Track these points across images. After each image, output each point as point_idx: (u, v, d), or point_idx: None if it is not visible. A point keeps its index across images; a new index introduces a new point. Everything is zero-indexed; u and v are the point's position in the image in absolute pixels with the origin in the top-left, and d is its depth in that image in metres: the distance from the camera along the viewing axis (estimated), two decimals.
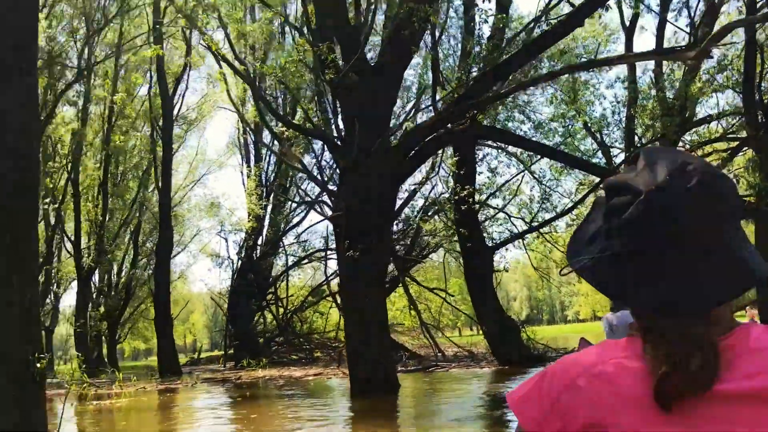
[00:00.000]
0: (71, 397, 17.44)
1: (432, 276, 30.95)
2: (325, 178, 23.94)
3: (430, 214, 22.50)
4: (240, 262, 30.58)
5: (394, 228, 22.43)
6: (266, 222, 30.66)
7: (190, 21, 11.86)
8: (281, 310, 30.20)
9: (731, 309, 0.87)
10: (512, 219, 21.83)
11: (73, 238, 31.75)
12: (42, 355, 5.16)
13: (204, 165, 42.50)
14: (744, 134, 15.86)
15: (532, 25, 14.55)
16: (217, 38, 15.57)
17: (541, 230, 21.07)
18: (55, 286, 37.28)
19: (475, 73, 13.18)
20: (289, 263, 31.34)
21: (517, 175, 22.20)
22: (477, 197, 19.60)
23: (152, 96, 30.53)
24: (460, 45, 19.08)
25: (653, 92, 17.68)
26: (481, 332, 21.82)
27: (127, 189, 35.56)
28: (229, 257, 32.24)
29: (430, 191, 22.61)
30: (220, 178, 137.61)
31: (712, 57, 10.36)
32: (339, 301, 22.05)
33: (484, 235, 20.22)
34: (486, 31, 15.77)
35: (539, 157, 19.87)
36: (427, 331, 23.79)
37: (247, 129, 29.81)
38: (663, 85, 17.00)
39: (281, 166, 29.03)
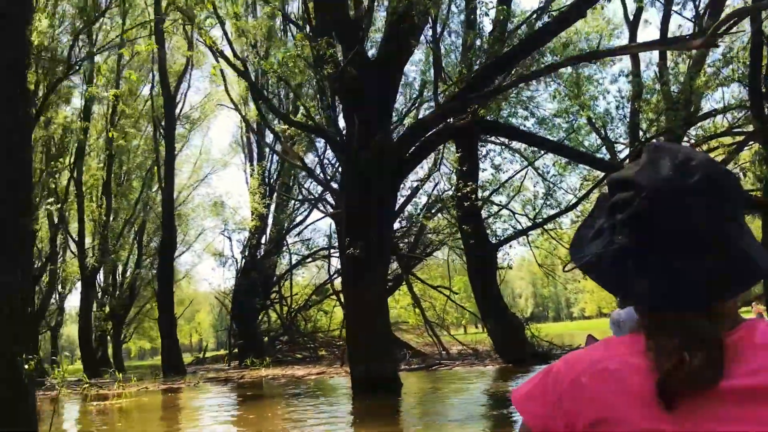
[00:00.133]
0: (74, 397, 17.44)
1: (436, 274, 30.81)
2: (328, 176, 23.87)
3: (433, 211, 22.36)
4: (244, 261, 30.53)
5: (397, 225, 22.32)
6: (270, 221, 30.62)
7: (186, 14, 11.73)
8: (285, 308, 30.15)
9: (737, 304, 0.86)
10: (516, 216, 21.67)
11: (77, 238, 31.72)
12: (30, 356, 5.06)
13: (208, 164, 42.56)
14: (750, 128, 15.65)
15: (534, 17, 14.35)
16: (217, 35, 15.45)
17: (545, 227, 20.91)
18: (60, 287, 37.32)
19: (476, 68, 13.02)
20: (293, 262, 31.31)
21: (520, 171, 22.03)
22: (480, 194, 19.45)
23: (154, 95, 30.53)
24: (461, 40, 18.92)
25: (657, 86, 17.49)
26: (485, 330, 21.67)
27: (131, 189, 35.58)
28: (232, 256, 32.20)
29: (434, 188, 22.48)
30: (224, 178, 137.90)
31: (718, 46, 10.16)
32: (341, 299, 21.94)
33: (488, 231, 20.06)
34: (487, 24, 15.64)
35: (543, 152, 19.70)
36: (431, 329, 23.67)
37: (250, 127, 29.74)
38: (667, 78, 16.79)
39: (284, 165, 28.95)
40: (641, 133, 17.91)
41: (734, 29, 12.68)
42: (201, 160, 42.05)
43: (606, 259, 0.85)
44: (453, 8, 18.89)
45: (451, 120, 12.78)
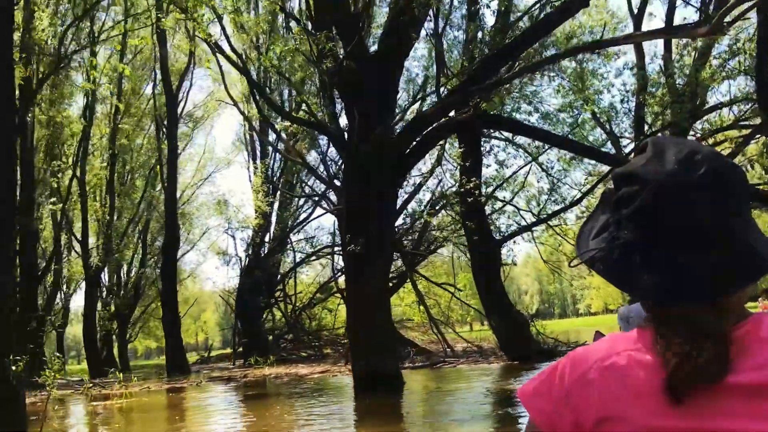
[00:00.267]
0: (76, 397, 17.38)
1: (441, 271, 30.72)
2: (332, 173, 23.75)
3: (437, 208, 22.21)
4: (247, 259, 30.48)
5: (401, 222, 22.20)
6: (273, 219, 30.51)
7: (178, 6, 11.59)
8: (290, 307, 30.08)
9: (743, 299, 0.84)
10: (520, 212, 21.51)
11: (80, 238, 31.70)
12: (18, 358, 4.94)
13: (212, 163, 42.57)
14: (757, 121, 15.43)
15: (536, 8, 14.18)
16: (216, 32, 15.31)
17: (550, 223, 20.75)
18: (65, 287, 37.32)
19: (478, 60, 12.85)
20: (297, 260, 31.23)
21: (524, 166, 21.85)
22: (483, 190, 19.30)
23: (157, 94, 30.47)
24: (463, 35, 18.75)
25: (663, 79, 17.29)
26: (490, 327, 21.53)
27: (134, 188, 35.59)
28: (236, 255, 32.18)
29: (437, 185, 22.32)
30: (228, 176, 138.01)
31: (724, 33, 9.95)
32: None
33: (492, 228, 19.90)
34: (488, 16, 15.44)
35: (547, 147, 19.53)
36: (435, 326, 23.53)
37: (253, 125, 29.64)
38: (673, 71, 16.58)
39: (287, 162, 28.85)
40: (646, 127, 17.72)
41: (741, 19, 12.46)
42: (205, 158, 42.12)
43: (611, 253, 0.85)
44: (455, 2, 18.71)
45: (453, 114, 12.62)
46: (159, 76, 28.66)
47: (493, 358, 19.20)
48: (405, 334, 26.01)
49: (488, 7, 13.66)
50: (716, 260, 0.79)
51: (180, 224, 31.00)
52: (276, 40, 16.95)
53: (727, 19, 9.78)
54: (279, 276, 31.19)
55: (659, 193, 0.81)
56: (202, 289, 59.77)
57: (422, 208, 22.25)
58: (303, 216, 31.58)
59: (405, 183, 20.94)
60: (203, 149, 42.64)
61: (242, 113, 20.53)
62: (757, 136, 15.85)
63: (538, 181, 22.15)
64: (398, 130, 12.36)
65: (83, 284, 32.75)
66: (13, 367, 4.85)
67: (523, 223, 21.14)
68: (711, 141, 15.98)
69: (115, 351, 36.36)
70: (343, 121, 16.93)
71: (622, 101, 18.99)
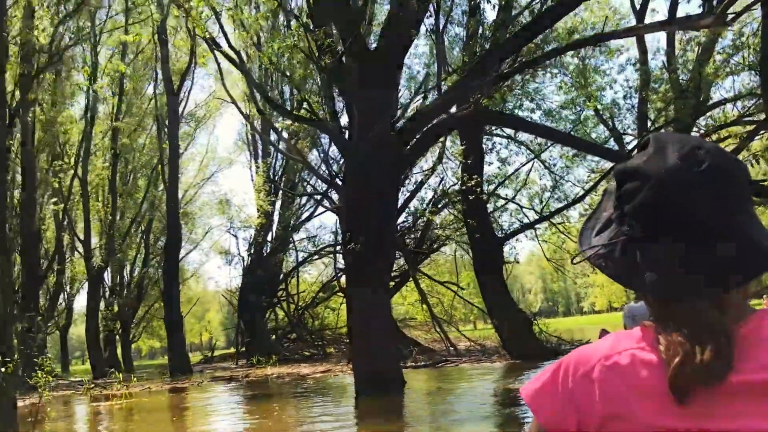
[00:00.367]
0: (77, 398, 17.34)
1: (444, 269, 30.65)
2: (333, 173, 23.66)
3: (440, 206, 22.11)
4: (250, 259, 30.43)
5: (403, 219, 22.10)
6: (275, 218, 30.46)
7: (176, 2, 11.50)
8: (292, 306, 30.03)
9: (746, 294, 0.83)
10: (523, 209, 21.40)
11: (83, 238, 31.70)
12: (8, 359, 4.86)
13: (214, 162, 42.58)
14: (762, 117, 15.28)
15: (537, 2, 14.02)
16: (215, 30, 15.20)
17: (553, 220, 20.64)
18: (68, 287, 37.32)
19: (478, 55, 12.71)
20: (299, 259, 31.18)
21: (526, 163, 21.73)
22: (486, 187, 19.19)
23: (158, 93, 30.43)
24: (464, 32, 18.64)
25: (666, 76, 17.14)
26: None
27: (137, 188, 35.58)
28: (239, 254, 32.11)
29: (440, 183, 22.23)
30: (230, 175, 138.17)
31: (730, 24, 9.78)
32: None
33: (494, 226, 19.80)
34: (489, 10, 15.33)
35: (549, 144, 19.41)
36: (438, 325, 23.43)
37: (254, 124, 29.57)
38: (676, 66, 16.43)
39: (288, 161, 28.79)
40: (650, 123, 17.57)
41: (749, 10, 12.28)
42: (207, 158, 42.13)
43: (615, 249, 0.85)
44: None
45: (454, 110, 12.50)
46: (160, 76, 28.62)
47: (496, 357, 19.10)
48: (408, 332, 25.95)
49: (488, 1, 13.53)
50: (719, 255, 0.78)
51: (183, 224, 30.96)
52: (275, 37, 16.85)
53: (733, 11, 9.63)
54: (281, 275, 31.15)
55: (661, 189, 0.80)
56: (206, 289, 59.81)
57: (424, 206, 22.18)
58: (305, 215, 31.56)
59: (407, 181, 20.87)
60: (206, 149, 42.71)
61: (241, 112, 20.44)
62: (762, 131, 15.70)
63: (541, 179, 22.01)
64: (398, 127, 12.22)
65: (86, 284, 32.74)
66: (2, 369, 4.78)
67: (526, 220, 21.03)
68: (715, 137, 15.83)
69: (119, 351, 36.39)
70: (345, 120, 16.87)
71: (624, 98, 18.88)
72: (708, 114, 17.20)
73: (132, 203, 35.07)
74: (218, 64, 18.55)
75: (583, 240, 0.92)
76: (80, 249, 32.48)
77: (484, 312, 24.40)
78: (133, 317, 37.63)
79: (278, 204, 30.55)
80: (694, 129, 16.17)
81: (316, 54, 11.71)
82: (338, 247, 27.16)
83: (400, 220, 20.98)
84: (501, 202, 21.34)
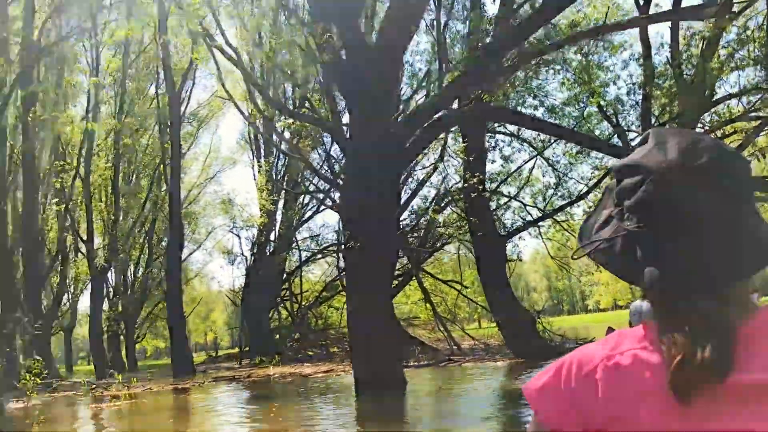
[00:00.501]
0: (77, 398, 17.28)
1: (447, 268, 30.53)
2: (335, 171, 23.56)
3: (442, 204, 21.99)
4: (253, 258, 30.33)
5: (406, 215, 21.99)
6: (278, 217, 30.37)
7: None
8: (296, 306, 29.93)
9: (749, 290, 0.82)
10: (526, 207, 21.24)
11: (85, 238, 31.68)
12: None
13: (217, 162, 42.56)
14: (767, 112, 15.11)
15: None
16: (213, 28, 15.08)
17: (557, 218, 20.48)
18: (72, 288, 37.32)
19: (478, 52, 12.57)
20: (302, 258, 31.07)
21: (529, 160, 21.56)
22: (488, 185, 19.05)
23: (160, 94, 30.35)
24: (466, 29, 18.51)
25: (670, 71, 16.96)
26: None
27: (140, 188, 35.55)
28: (242, 254, 32.01)
29: (442, 181, 22.10)
30: (233, 175, 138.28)
31: (735, 15, 9.62)
32: None
33: (496, 223, 19.65)
34: (489, 3, 15.17)
35: (552, 141, 19.26)
36: (442, 324, 23.30)
37: (255, 123, 29.46)
38: (680, 61, 16.25)
39: (291, 160, 28.69)
40: (654, 119, 17.40)
41: (750, 7, 12.13)
42: (210, 158, 42.09)
43: (616, 244, 0.84)
44: None
45: (455, 106, 12.37)
46: (162, 76, 28.55)
47: (499, 356, 18.96)
48: (412, 331, 25.83)
49: None
50: (720, 250, 0.77)
51: (186, 224, 30.90)
52: (275, 34, 16.77)
53: (737, 6, 9.47)
54: (285, 274, 31.05)
55: (661, 183, 0.80)
56: (210, 290, 59.81)
57: (427, 204, 22.06)
58: (308, 214, 31.46)
59: (409, 179, 20.75)
60: (209, 148, 42.66)
61: (241, 111, 20.33)
62: (767, 127, 15.53)
63: (544, 176, 21.84)
64: (398, 123, 12.08)
65: (89, 285, 32.72)
66: None
67: (529, 218, 20.87)
68: (720, 133, 15.66)
69: (123, 351, 36.37)
70: (346, 118, 16.74)
71: (628, 93, 18.71)
72: (713, 109, 17.02)
73: (135, 203, 35.03)
74: (216, 62, 18.44)
75: (584, 235, 0.92)
76: (83, 249, 32.46)
77: (488, 310, 24.29)
78: (137, 317, 37.62)
79: (281, 203, 30.45)
80: (699, 124, 16.00)
81: (315, 50, 11.60)
82: (341, 246, 27.10)
83: (403, 219, 20.86)
84: (504, 199, 21.20)
